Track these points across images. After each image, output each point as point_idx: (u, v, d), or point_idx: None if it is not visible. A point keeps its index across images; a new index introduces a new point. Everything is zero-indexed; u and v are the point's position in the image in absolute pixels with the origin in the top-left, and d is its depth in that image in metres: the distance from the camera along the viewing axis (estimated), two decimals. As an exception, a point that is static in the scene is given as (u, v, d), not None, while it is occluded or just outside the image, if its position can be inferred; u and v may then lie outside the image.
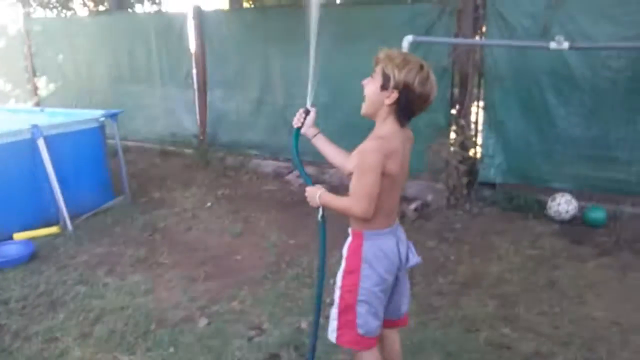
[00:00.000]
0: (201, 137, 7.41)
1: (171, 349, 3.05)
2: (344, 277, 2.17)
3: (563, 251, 4.29)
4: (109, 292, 3.70)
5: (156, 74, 7.73)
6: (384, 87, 2.02)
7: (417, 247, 2.30)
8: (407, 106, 2.02)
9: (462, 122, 5.37)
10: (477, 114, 5.62)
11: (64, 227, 4.73)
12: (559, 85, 5.02)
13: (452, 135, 5.47)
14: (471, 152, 5.54)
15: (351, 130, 5.90)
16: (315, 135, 2.40)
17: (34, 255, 4.22)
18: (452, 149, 5.31)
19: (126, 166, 5.63)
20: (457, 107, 5.47)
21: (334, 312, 2.19)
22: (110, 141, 5.57)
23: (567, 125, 5.02)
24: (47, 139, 4.74)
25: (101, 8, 11.52)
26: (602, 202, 4.88)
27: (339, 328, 2.18)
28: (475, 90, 5.52)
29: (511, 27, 5.13)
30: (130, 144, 7.64)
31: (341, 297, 2.16)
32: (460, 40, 5.28)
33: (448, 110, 5.54)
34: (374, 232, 2.12)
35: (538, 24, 4.98)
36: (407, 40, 4.75)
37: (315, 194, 2.20)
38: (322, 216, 2.28)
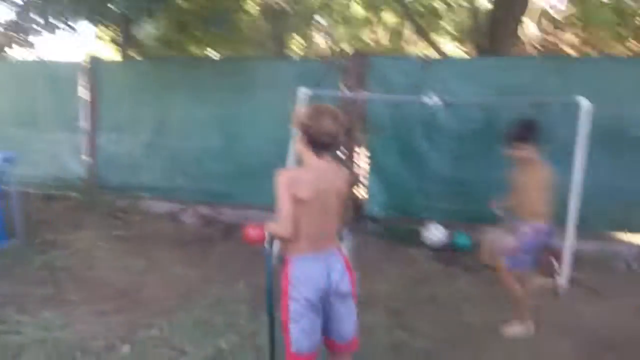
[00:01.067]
0: (88, 180, 7.36)
1: (99, 374, 3.18)
2: (281, 299, 2.48)
3: (439, 272, 5.00)
4: (23, 328, 3.68)
5: (42, 118, 7.61)
6: (299, 134, 2.49)
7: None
8: (312, 140, 2.43)
9: (349, 164, 6.03)
10: (362, 158, 6.31)
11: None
12: (430, 134, 5.91)
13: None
14: (358, 192, 6.20)
15: (245, 170, 6.44)
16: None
17: None
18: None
19: (20, 209, 5.52)
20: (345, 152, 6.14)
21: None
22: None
23: (436, 167, 5.89)
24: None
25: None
26: (468, 230, 5.70)
27: (285, 346, 2.48)
28: (360, 138, 6.22)
29: (389, 83, 5.96)
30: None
31: (281, 318, 2.49)
32: (345, 94, 5.98)
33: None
34: (299, 257, 2.46)
35: (412, 82, 5.84)
36: (302, 91, 5.32)
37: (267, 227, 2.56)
38: (270, 244, 2.63)
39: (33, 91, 7.61)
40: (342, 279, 2.50)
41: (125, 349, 3.48)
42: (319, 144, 2.44)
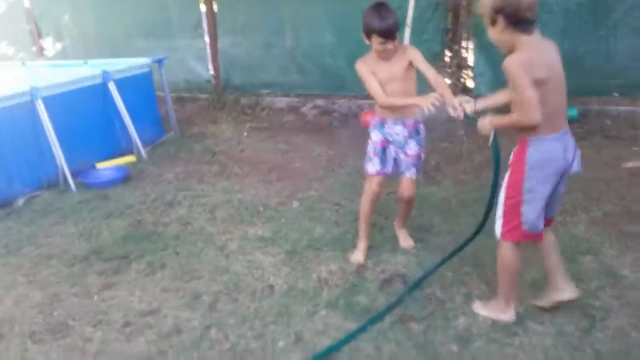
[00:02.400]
0: (214, 82, 8.21)
1: (282, 220, 4.06)
2: (509, 180, 2.47)
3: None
4: (210, 193, 4.64)
5: (165, 28, 8.40)
6: (492, 23, 2.35)
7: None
8: (516, 20, 2.28)
9: (456, 47, 6.42)
10: (467, 40, 6.66)
11: (139, 156, 5.57)
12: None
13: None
14: (463, 73, 6.62)
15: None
16: (476, 105, 2.71)
17: (126, 177, 5.07)
18: (449, 69, 6.38)
19: (171, 107, 6.45)
20: (451, 35, 6.51)
21: (499, 212, 2.53)
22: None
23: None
24: (115, 83, 5.52)
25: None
26: (573, 103, 6.05)
27: (504, 225, 2.51)
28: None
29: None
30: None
31: (507, 198, 2.48)
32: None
33: (443, 39, 6.57)
34: (537, 137, 2.36)
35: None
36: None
37: (485, 121, 2.53)
38: (495, 139, 2.66)
39: (155, 2, 8.35)
40: (575, 158, 2.48)
41: (295, 204, 4.34)
42: (525, 21, 2.29)
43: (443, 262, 3.21)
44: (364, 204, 3.39)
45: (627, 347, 2.48)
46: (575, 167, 2.48)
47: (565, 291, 2.64)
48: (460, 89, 6.30)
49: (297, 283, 3.20)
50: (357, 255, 3.41)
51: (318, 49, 7.46)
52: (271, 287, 3.18)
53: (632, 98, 6.05)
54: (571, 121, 5.79)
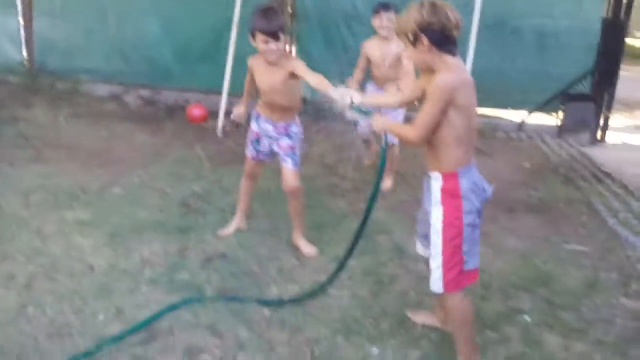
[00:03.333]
0: (28, 65, 7.65)
1: (103, 205, 4.04)
2: (445, 220, 2.23)
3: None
4: (23, 177, 4.43)
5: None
6: (414, 43, 2.17)
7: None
8: (441, 39, 2.12)
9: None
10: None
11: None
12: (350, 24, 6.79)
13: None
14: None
15: (183, 54, 7.06)
16: (362, 99, 2.65)
17: None
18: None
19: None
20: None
21: (436, 262, 2.27)
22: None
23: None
24: None
25: None
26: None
27: (446, 275, 2.25)
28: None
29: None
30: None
31: (447, 241, 2.23)
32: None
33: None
34: (465, 167, 2.22)
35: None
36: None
37: (382, 120, 2.47)
38: (385, 145, 2.62)
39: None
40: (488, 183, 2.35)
41: (117, 190, 4.34)
42: (451, 41, 2.15)
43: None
44: (242, 182, 3.74)
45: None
46: (489, 190, 2.33)
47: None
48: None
49: (118, 263, 3.25)
50: (230, 227, 3.73)
51: (143, 39, 7.37)
52: (91, 267, 3.20)
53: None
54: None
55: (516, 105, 7.04)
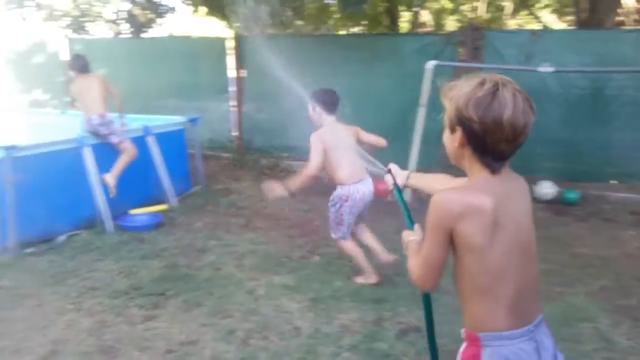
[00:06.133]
0: (238, 142, 8.76)
1: (305, 271, 4.42)
2: None
3: (552, 220, 5.88)
4: (237, 242, 5.03)
5: (194, 89, 9.07)
6: (451, 129, 1.58)
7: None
8: (481, 143, 1.50)
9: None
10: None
11: (171, 205, 5.99)
12: (539, 100, 6.68)
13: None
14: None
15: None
16: (408, 179, 2.23)
17: (160, 224, 5.47)
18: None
19: (200, 163, 6.94)
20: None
21: None
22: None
23: (545, 130, 6.70)
24: (154, 137, 6.02)
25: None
26: (574, 187, 6.53)
27: None
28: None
29: (501, 54, 6.83)
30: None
31: None
32: (471, 64, 6.87)
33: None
34: (492, 334, 1.54)
35: (523, 52, 6.69)
36: (430, 64, 6.26)
37: (407, 238, 1.89)
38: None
39: (185, 64, 9.05)
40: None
41: (317, 259, 4.72)
42: (491, 152, 1.52)
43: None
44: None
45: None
46: None
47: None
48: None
49: (321, 327, 3.53)
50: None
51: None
52: (297, 329, 3.52)
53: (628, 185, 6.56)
54: (572, 204, 6.40)
55: None
